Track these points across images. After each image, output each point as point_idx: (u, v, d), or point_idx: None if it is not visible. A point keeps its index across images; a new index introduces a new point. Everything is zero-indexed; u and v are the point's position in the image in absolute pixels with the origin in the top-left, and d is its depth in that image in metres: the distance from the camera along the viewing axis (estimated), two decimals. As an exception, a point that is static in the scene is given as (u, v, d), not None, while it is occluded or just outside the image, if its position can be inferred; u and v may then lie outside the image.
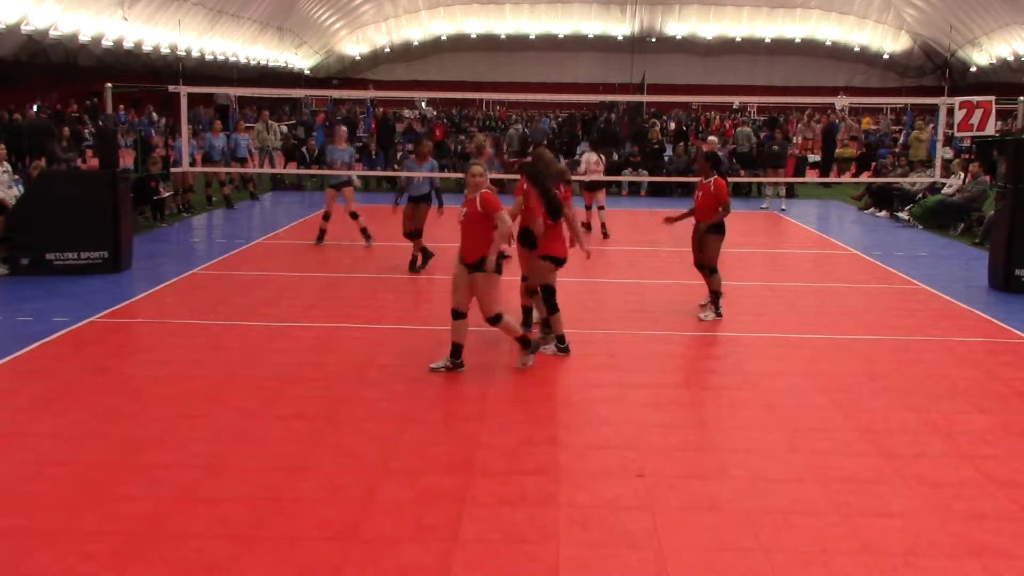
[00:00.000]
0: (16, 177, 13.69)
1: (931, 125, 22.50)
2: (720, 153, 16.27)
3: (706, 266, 9.77)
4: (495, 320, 7.62)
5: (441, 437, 6.30)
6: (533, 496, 5.39)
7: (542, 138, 24.71)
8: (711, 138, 17.39)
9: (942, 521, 5.18)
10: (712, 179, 9.68)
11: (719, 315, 9.68)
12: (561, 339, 8.29)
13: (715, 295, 9.75)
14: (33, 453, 5.92)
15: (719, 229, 9.74)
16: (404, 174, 12.41)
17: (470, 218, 7.51)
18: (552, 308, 8.25)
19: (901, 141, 29.66)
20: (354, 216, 13.70)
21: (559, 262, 8.21)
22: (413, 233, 12.00)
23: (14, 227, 11.43)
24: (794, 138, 28.84)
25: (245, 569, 4.56)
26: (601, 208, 15.52)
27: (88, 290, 10.52)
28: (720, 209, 9.63)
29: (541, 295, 8.30)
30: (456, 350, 7.69)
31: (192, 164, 16.12)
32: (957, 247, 14.80)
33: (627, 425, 6.56)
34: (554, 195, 8.10)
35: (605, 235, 15.14)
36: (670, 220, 10.21)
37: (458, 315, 7.60)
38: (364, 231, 13.72)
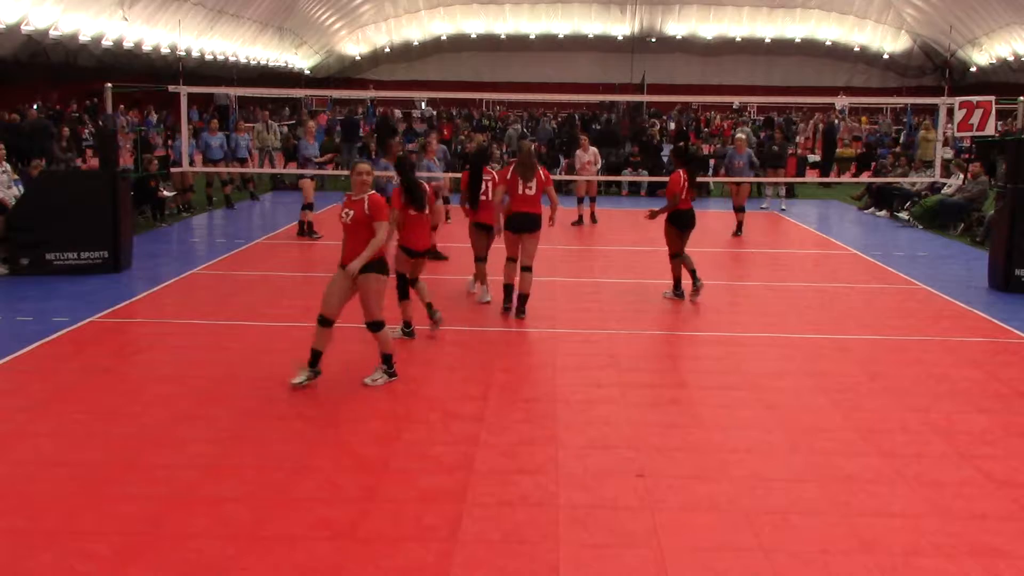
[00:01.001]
0: (16, 177, 13.70)
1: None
2: (746, 149, 16.61)
3: (670, 254, 10.48)
4: (376, 327, 7.21)
5: (441, 437, 6.30)
6: (533, 496, 5.39)
7: (546, 139, 24.90)
8: (739, 135, 17.88)
9: (942, 521, 5.18)
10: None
11: (679, 295, 10.52)
12: (407, 324, 8.66)
13: (677, 280, 10.49)
14: (33, 453, 5.92)
15: (675, 222, 10.32)
16: (380, 174, 12.36)
17: (356, 221, 7.13)
18: (403, 295, 8.60)
19: (901, 141, 29.69)
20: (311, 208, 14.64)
21: (412, 253, 8.65)
22: None
23: (14, 227, 11.43)
24: (797, 137, 28.87)
25: (245, 569, 4.56)
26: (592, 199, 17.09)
27: (88, 290, 10.52)
28: (670, 198, 10.30)
29: (397, 281, 8.58)
30: (316, 357, 7.24)
31: (191, 164, 16.11)
32: (957, 247, 14.79)
33: (627, 425, 6.56)
34: (417, 187, 8.53)
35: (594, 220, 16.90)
36: (652, 215, 10.72)
37: (327, 322, 7.19)
38: (302, 225, 14.69)
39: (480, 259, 10.34)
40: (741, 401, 7.15)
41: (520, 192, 9.47)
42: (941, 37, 49.91)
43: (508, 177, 9.57)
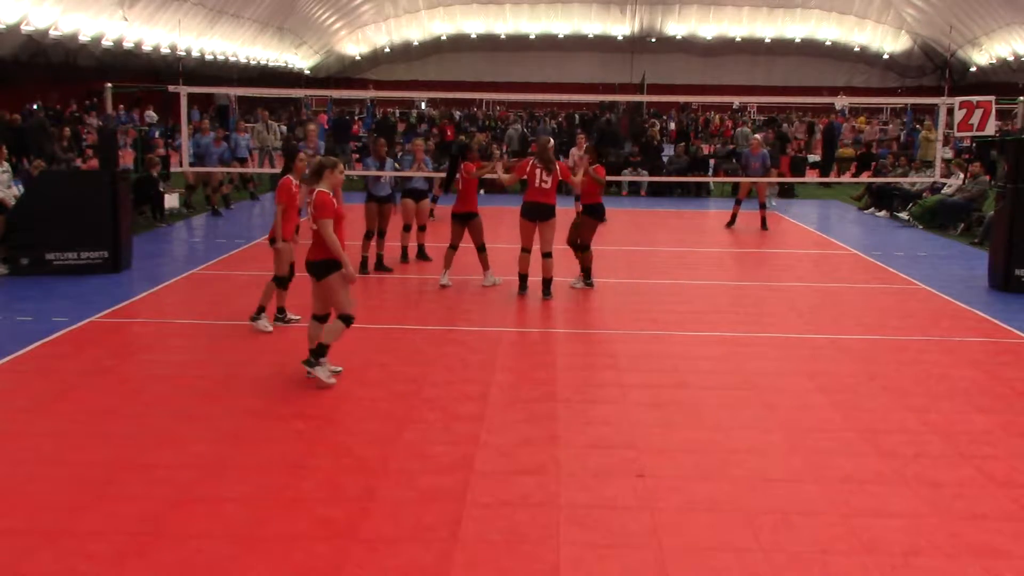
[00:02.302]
0: (16, 178, 13.69)
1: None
2: (763, 150, 16.89)
3: (578, 244, 10.96)
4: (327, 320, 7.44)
5: (441, 437, 6.30)
6: (533, 496, 5.39)
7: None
8: (755, 136, 18.45)
9: (942, 521, 5.18)
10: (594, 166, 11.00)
11: (590, 284, 10.97)
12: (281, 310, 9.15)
13: (586, 271, 10.98)
14: (33, 453, 5.92)
15: (592, 212, 10.97)
16: (370, 173, 12.24)
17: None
18: (281, 285, 9.05)
19: (901, 140, 29.71)
20: None
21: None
22: (378, 233, 11.90)
23: (14, 227, 11.42)
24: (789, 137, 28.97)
25: (245, 569, 4.56)
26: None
27: (88, 290, 10.52)
28: (597, 176, 10.92)
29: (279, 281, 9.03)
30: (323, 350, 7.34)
31: (191, 165, 16.13)
32: (957, 247, 14.79)
33: (627, 425, 6.56)
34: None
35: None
36: (579, 164, 12.14)
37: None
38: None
39: (452, 247, 11.00)
40: (741, 401, 7.15)
41: (536, 184, 10.26)
42: (941, 37, 49.95)
43: (528, 169, 10.38)
